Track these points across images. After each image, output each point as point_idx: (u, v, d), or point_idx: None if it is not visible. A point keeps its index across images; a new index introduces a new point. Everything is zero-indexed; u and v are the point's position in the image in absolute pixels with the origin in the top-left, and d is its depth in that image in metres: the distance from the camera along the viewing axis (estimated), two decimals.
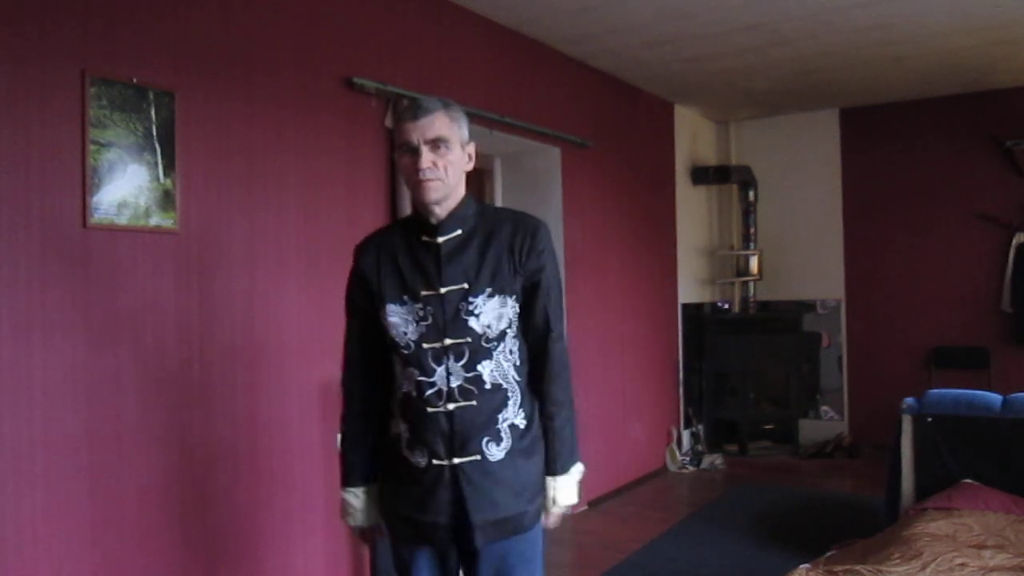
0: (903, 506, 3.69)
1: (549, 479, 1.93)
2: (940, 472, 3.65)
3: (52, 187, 2.53)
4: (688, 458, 6.35)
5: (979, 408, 3.65)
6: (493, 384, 1.84)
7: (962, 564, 2.70)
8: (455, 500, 1.83)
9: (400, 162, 1.86)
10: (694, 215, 6.95)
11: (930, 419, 3.72)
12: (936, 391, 3.84)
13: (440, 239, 1.86)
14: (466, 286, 1.83)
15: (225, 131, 3.06)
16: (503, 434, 1.85)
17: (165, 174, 2.83)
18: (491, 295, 1.83)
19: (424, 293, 1.84)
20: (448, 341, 1.82)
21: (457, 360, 1.82)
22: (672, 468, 6.23)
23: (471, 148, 1.91)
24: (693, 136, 6.93)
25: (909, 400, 3.83)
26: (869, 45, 5.17)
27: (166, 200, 2.83)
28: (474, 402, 1.82)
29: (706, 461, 6.35)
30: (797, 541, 4.21)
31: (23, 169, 2.47)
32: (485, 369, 1.83)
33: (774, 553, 4.08)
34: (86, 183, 2.60)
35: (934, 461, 3.69)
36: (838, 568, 2.75)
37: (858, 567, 2.73)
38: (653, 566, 4.08)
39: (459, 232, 1.87)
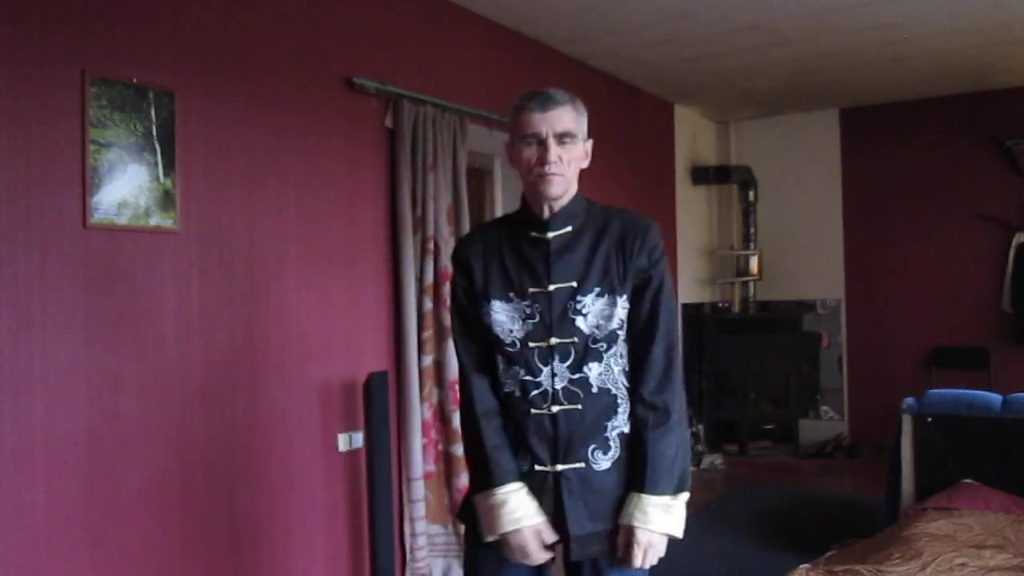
0: (903, 506, 3.69)
1: (633, 495, 1.75)
2: (940, 472, 3.65)
3: (52, 187, 2.53)
4: None
5: (979, 408, 3.65)
6: (600, 388, 1.77)
7: (962, 564, 2.70)
8: (556, 509, 1.75)
9: (519, 153, 1.79)
10: (694, 215, 6.95)
11: (930, 419, 3.72)
12: (936, 391, 3.84)
13: (550, 235, 1.81)
14: (574, 284, 1.77)
15: (225, 131, 3.06)
16: (611, 443, 1.77)
17: (165, 174, 2.83)
18: (599, 294, 1.77)
19: (532, 290, 1.78)
20: (554, 340, 1.75)
21: (563, 360, 1.75)
22: None
23: (589, 145, 1.87)
24: (693, 136, 6.93)
25: (909, 400, 3.83)
26: (869, 45, 5.17)
27: (166, 200, 2.83)
28: (579, 406, 1.75)
29: (706, 461, 6.35)
30: (797, 541, 4.20)
31: (23, 169, 2.47)
32: (592, 371, 1.76)
33: (774, 553, 4.08)
34: (86, 183, 2.60)
35: (934, 461, 3.69)
36: (838, 568, 2.75)
37: (858, 567, 2.73)
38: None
39: (569, 229, 1.82)
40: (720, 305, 7.21)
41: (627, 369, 1.81)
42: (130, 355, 2.74)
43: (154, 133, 2.79)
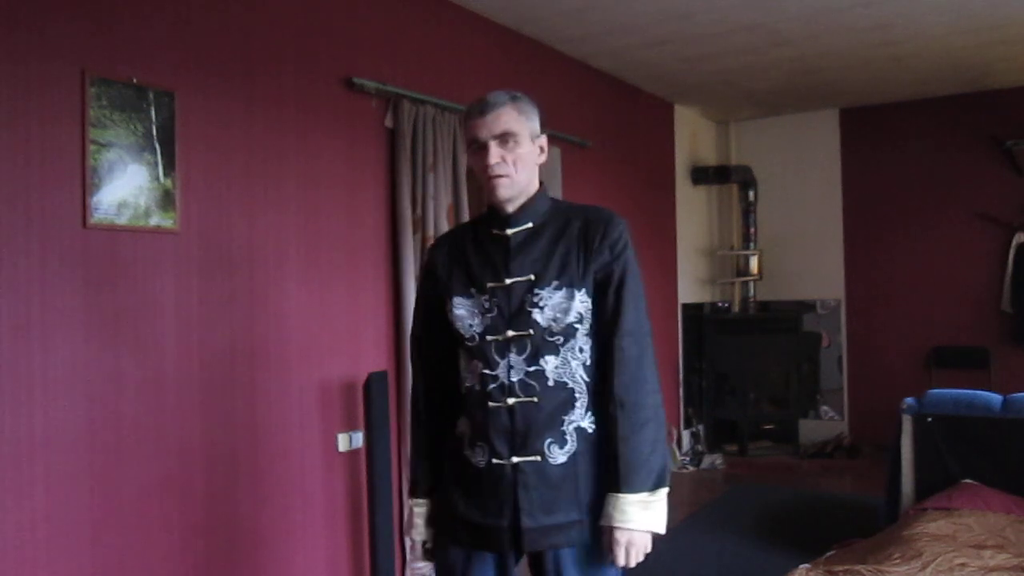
0: (903, 506, 3.69)
1: (610, 496, 1.76)
2: (940, 472, 3.65)
3: (52, 187, 2.53)
4: (688, 458, 6.35)
5: (979, 408, 3.65)
6: (557, 382, 1.78)
7: (962, 564, 2.70)
8: (513, 502, 1.77)
9: (471, 161, 1.84)
10: (694, 215, 6.95)
11: (930, 419, 3.72)
12: (936, 391, 3.84)
13: (509, 231, 1.84)
14: (532, 278, 1.80)
15: (225, 131, 3.06)
16: (568, 437, 1.78)
17: (165, 174, 2.83)
18: (557, 288, 1.79)
19: (490, 285, 1.81)
20: (511, 333, 1.78)
21: (519, 353, 1.78)
22: (672, 468, 6.23)
23: (543, 140, 1.87)
24: (693, 136, 6.93)
25: (909, 400, 3.83)
26: (869, 45, 5.17)
27: (166, 200, 2.83)
28: (535, 399, 1.77)
29: (706, 461, 6.35)
30: (797, 541, 4.20)
31: (23, 169, 2.47)
32: (548, 364, 1.77)
33: (774, 553, 4.08)
34: (86, 183, 2.60)
35: (934, 461, 3.69)
36: (838, 568, 2.75)
37: (858, 567, 2.73)
38: (653, 566, 4.06)
39: (529, 225, 1.84)
40: (720, 305, 7.21)
41: (588, 364, 1.81)
42: (130, 355, 2.74)
43: (154, 133, 2.79)
